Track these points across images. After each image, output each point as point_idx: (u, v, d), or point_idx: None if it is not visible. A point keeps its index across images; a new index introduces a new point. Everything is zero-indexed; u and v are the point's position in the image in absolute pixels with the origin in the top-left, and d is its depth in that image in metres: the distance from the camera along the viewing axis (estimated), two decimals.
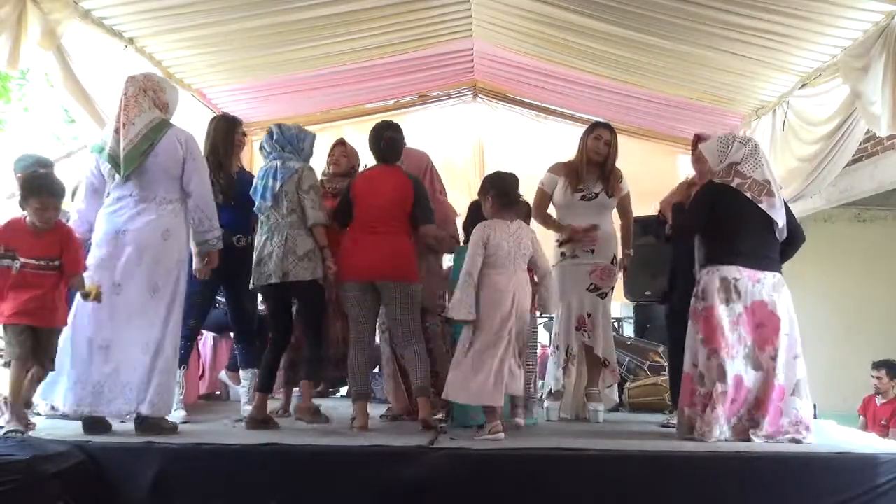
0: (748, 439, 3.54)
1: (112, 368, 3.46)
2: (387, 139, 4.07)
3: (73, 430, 3.53)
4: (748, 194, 3.66)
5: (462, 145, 7.78)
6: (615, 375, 4.57)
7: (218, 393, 5.42)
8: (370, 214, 3.94)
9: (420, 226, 4.02)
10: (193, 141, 3.70)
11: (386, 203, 3.95)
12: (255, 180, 4.05)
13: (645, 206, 6.28)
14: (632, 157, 6.99)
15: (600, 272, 4.40)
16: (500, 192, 3.80)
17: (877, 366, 5.86)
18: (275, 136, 4.02)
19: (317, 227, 3.89)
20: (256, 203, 3.99)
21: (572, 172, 4.51)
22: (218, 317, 4.90)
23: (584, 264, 4.43)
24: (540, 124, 7.50)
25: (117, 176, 3.57)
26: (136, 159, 3.52)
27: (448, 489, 3.12)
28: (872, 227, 6.76)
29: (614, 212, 4.63)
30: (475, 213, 4.24)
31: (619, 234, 4.62)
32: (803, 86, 5.40)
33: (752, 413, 3.62)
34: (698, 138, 4.25)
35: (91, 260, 3.56)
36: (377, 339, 4.49)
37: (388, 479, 3.10)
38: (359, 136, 6.91)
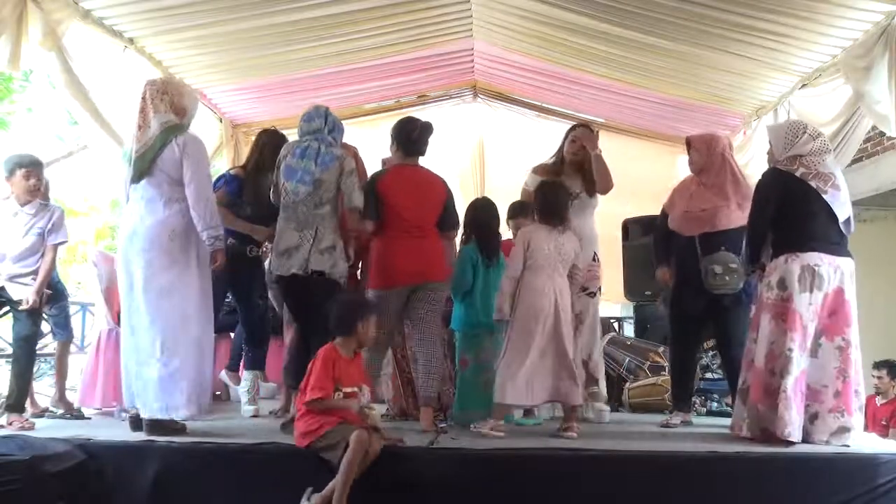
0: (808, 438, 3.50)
1: (130, 367, 3.52)
2: (419, 133, 3.99)
3: (73, 430, 3.53)
4: (813, 183, 3.58)
5: (462, 145, 7.78)
6: (592, 376, 4.39)
7: (218, 393, 5.41)
8: (410, 218, 3.86)
9: (444, 231, 4.01)
10: (193, 144, 3.64)
11: (424, 206, 3.92)
12: (287, 158, 3.80)
13: (645, 206, 6.29)
14: (632, 157, 7.02)
15: (586, 273, 4.37)
16: (548, 207, 3.86)
17: (877, 366, 5.85)
18: (329, 117, 3.88)
19: (355, 210, 3.75)
20: (291, 186, 3.72)
21: (554, 173, 4.49)
22: (219, 317, 4.92)
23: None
24: (540, 124, 7.49)
25: (130, 178, 3.62)
26: (146, 161, 3.54)
27: (448, 489, 3.13)
28: (873, 227, 6.74)
29: (594, 211, 4.56)
30: (476, 213, 4.25)
31: (596, 231, 4.55)
32: (803, 86, 5.41)
33: (809, 404, 3.54)
34: (690, 142, 4.26)
35: (117, 263, 3.67)
36: None
37: (388, 479, 3.11)
38: (358, 137, 6.93)
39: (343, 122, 7.09)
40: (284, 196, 3.77)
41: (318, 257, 3.71)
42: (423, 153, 4.04)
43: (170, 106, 3.63)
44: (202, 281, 3.62)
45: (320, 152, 3.75)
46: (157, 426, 3.45)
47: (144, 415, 3.47)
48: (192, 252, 3.59)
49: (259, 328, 4.44)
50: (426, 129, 4.00)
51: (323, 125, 3.86)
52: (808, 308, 3.51)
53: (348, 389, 3.18)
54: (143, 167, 3.54)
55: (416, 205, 3.89)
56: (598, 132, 4.57)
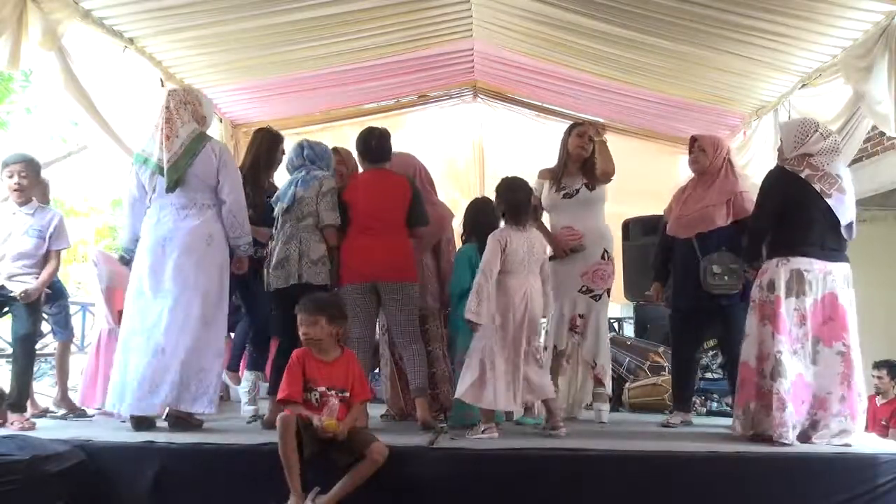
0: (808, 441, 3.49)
1: (164, 369, 3.58)
2: (376, 140, 4.10)
3: (73, 430, 3.53)
4: (817, 186, 3.56)
5: (462, 145, 7.79)
6: (599, 379, 4.38)
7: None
8: (367, 217, 3.94)
9: (413, 228, 4.04)
10: (227, 151, 3.87)
11: (383, 205, 3.96)
12: (282, 188, 4.08)
13: (645, 206, 6.29)
14: (632, 157, 7.00)
15: (592, 274, 4.34)
16: (510, 207, 3.80)
17: (877, 366, 5.85)
18: (305, 152, 4.08)
19: (327, 227, 3.92)
20: (277, 207, 4.01)
21: (555, 173, 4.49)
22: None
23: (573, 265, 4.36)
24: (540, 124, 7.50)
25: (158, 185, 3.71)
26: (179, 170, 3.67)
27: (448, 489, 3.13)
28: (872, 227, 6.74)
29: (604, 206, 4.50)
30: (475, 212, 4.25)
31: (607, 228, 4.49)
32: (803, 86, 5.41)
33: (815, 412, 3.52)
34: (694, 140, 4.25)
35: (138, 268, 3.71)
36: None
37: (388, 479, 3.10)
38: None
39: (343, 122, 7.10)
40: (275, 221, 4.00)
41: (311, 269, 3.85)
42: (385, 158, 4.14)
43: (192, 115, 3.78)
44: (227, 284, 3.79)
45: (303, 178, 3.97)
46: (180, 421, 3.60)
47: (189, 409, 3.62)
48: (224, 256, 3.78)
49: (264, 329, 4.43)
50: (383, 136, 4.15)
51: (303, 161, 4.06)
52: (792, 312, 3.52)
53: (322, 389, 3.17)
54: (178, 176, 3.67)
55: (376, 204, 3.96)
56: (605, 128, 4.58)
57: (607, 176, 4.39)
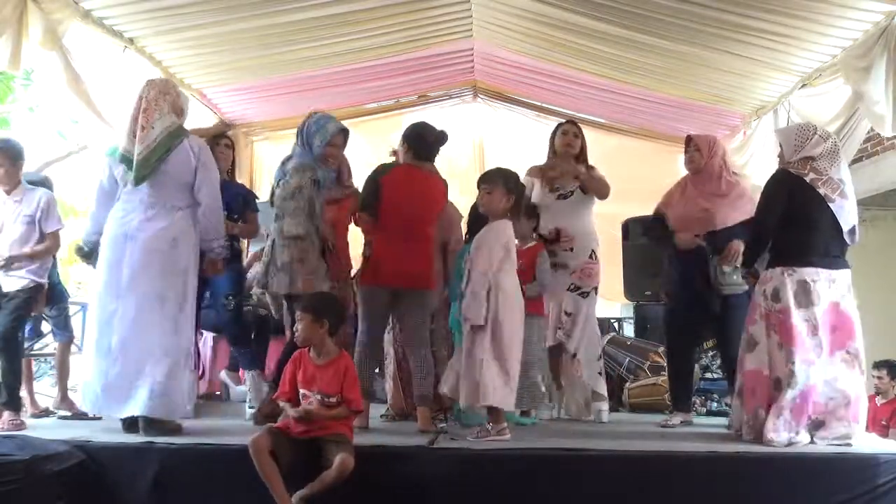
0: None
1: (119, 372, 3.46)
2: (434, 138, 4.02)
3: (72, 430, 3.53)
4: (822, 191, 3.54)
5: (462, 145, 7.77)
6: (578, 369, 4.40)
7: (218, 393, 5.42)
8: (406, 218, 3.88)
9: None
10: (207, 150, 3.68)
11: (423, 208, 3.94)
12: None
13: (645, 206, 6.27)
14: (632, 157, 7.02)
15: (580, 272, 4.38)
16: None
17: (877, 366, 5.84)
18: (303, 125, 3.86)
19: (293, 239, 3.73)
20: None
21: (544, 172, 4.50)
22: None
23: (565, 265, 4.39)
24: (540, 124, 7.48)
25: (129, 180, 3.55)
26: (150, 165, 3.50)
27: (448, 489, 3.13)
28: (872, 227, 6.73)
29: (593, 208, 4.55)
30: (477, 213, 4.23)
31: (594, 229, 4.54)
32: (803, 86, 5.41)
33: (820, 415, 3.52)
34: (690, 139, 4.26)
35: (100, 263, 3.58)
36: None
37: (388, 479, 3.11)
38: (359, 137, 6.90)
39: (343, 122, 7.14)
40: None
41: (275, 278, 3.75)
42: (432, 159, 4.09)
43: (171, 107, 3.60)
44: (192, 288, 3.63)
45: (279, 168, 3.86)
46: (153, 425, 3.46)
47: (136, 413, 3.47)
48: (190, 259, 3.60)
49: (234, 327, 4.35)
50: (442, 137, 4.06)
51: (296, 138, 3.90)
52: (804, 323, 3.51)
53: (303, 391, 3.15)
54: (147, 171, 3.50)
55: (415, 207, 3.91)
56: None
57: (604, 198, 4.47)
